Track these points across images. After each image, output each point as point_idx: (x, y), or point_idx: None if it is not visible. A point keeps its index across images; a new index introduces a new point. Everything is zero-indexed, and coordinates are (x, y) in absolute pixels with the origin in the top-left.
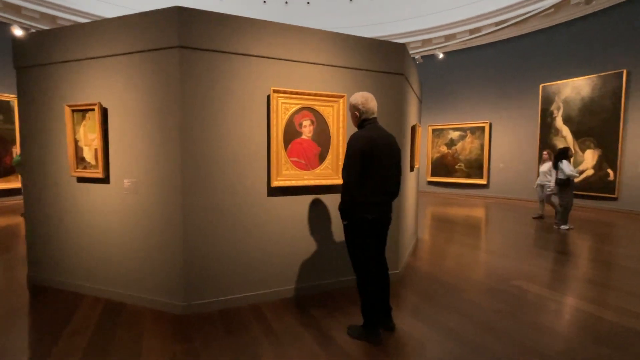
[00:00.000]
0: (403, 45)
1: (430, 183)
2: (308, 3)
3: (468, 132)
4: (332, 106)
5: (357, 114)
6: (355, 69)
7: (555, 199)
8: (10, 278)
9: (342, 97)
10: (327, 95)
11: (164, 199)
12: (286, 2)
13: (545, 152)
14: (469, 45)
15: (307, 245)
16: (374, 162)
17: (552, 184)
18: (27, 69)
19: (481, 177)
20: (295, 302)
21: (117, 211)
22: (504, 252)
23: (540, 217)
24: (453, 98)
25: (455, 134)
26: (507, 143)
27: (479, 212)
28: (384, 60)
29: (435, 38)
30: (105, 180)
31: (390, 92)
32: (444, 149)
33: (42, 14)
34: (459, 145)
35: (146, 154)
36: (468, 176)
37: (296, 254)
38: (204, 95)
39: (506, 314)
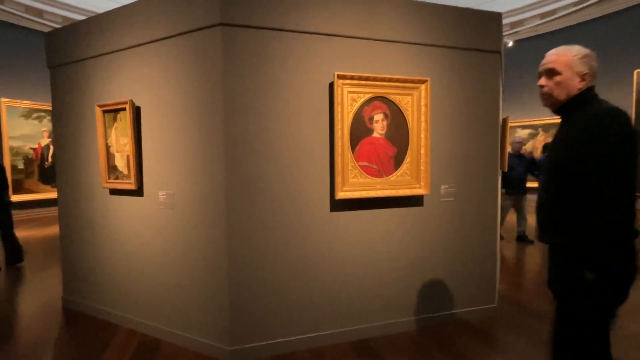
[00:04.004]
0: (499, 14)
1: None
2: None
3: (540, 129)
4: (410, 94)
5: (583, 77)
6: (441, 46)
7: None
8: (47, 298)
9: (423, 82)
10: (405, 81)
11: (204, 215)
12: None
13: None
14: (540, 31)
15: (383, 273)
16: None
17: None
18: (59, 68)
19: None
20: (367, 347)
21: (152, 230)
22: None
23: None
24: (520, 92)
25: (524, 132)
26: None
27: None
28: (476, 34)
29: None
30: (139, 192)
31: (484, 76)
32: (510, 149)
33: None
34: (528, 145)
35: (183, 161)
36: None
37: (367, 284)
38: (252, 84)
39: None
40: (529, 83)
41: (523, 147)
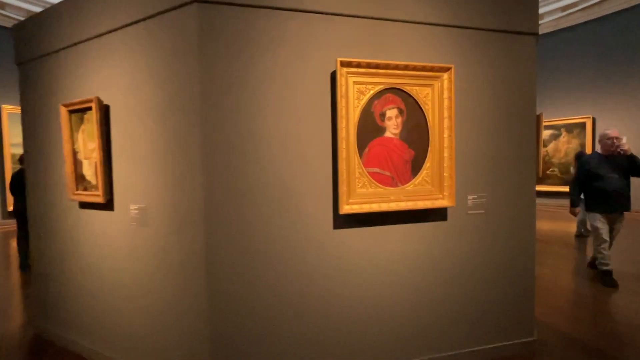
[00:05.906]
0: None
1: None
2: None
3: (563, 130)
4: (430, 85)
5: None
6: (466, 27)
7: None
8: (22, 322)
9: (446, 70)
10: (423, 69)
11: (181, 234)
12: None
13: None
14: (560, 26)
15: (398, 302)
16: None
17: None
18: (26, 64)
19: None
20: None
21: (123, 250)
22: None
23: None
24: (542, 90)
25: (546, 133)
26: None
27: None
28: (508, 13)
29: None
30: (109, 206)
31: (517, 63)
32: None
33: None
34: (550, 147)
35: (156, 168)
36: (564, 183)
37: (379, 315)
38: (236, 75)
39: None
40: (551, 80)
41: (625, 145)
